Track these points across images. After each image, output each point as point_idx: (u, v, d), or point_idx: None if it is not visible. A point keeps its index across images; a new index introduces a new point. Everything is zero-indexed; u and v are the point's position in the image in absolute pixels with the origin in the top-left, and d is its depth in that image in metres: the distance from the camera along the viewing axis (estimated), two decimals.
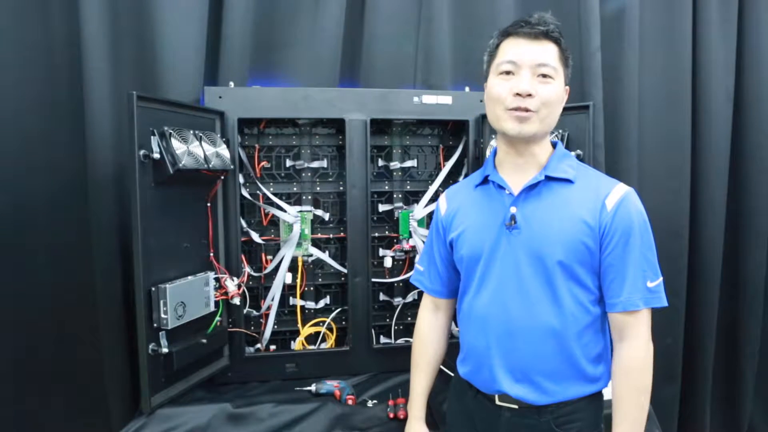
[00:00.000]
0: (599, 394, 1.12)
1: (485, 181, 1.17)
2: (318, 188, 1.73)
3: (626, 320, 1.05)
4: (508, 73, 1.06)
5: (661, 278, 1.06)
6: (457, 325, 1.26)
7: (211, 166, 1.42)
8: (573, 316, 1.06)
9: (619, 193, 1.06)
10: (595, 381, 1.09)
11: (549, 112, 1.06)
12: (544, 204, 1.08)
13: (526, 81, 1.03)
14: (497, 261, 1.10)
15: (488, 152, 1.60)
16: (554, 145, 1.15)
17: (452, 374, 1.35)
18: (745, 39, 2.06)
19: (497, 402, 1.11)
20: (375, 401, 1.50)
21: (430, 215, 1.76)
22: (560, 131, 1.51)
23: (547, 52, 1.05)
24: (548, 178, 1.09)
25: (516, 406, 1.09)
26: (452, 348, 1.33)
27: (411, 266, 1.76)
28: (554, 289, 1.05)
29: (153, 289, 1.35)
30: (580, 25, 1.84)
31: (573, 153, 1.26)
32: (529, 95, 1.03)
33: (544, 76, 1.04)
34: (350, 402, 1.48)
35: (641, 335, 1.05)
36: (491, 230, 1.11)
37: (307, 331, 1.70)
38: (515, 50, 1.06)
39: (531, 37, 1.05)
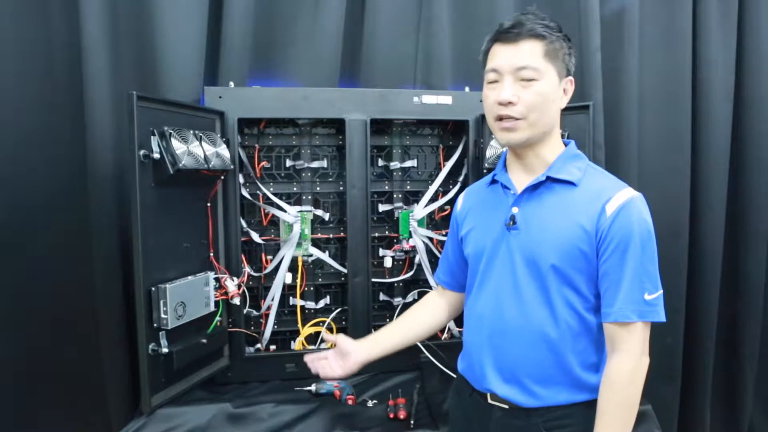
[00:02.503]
0: (594, 401, 1.08)
1: (495, 181, 1.17)
2: (318, 188, 1.73)
3: (618, 332, 1.01)
4: (494, 81, 1.06)
5: (660, 291, 1.02)
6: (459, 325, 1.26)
7: (211, 166, 1.42)
8: (566, 321, 1.04)
9: (621, 198, 1.02)
10: (589, 389, 1.06)
11: (538, 115, 1.04)
12: (543, 205, 1.07)
13: (507, 89, 1.03)
14: (497, 260, 1.10)
15: (488, 152, 1.60)
16: (568, 144, 1.13)
17: (453, 374, 1.35)
18: (745, 38, 2.06)
19: (489, 401, 1.12)
20: (375, 401, 1.50)
21: (430, 215, 1.76)
22: (560, 131, 1.50)
23: (526, 54, 1.02)
24: (551, 180, 1.07)
25: (506, 406, 1.09)
26: (453, 348, 1.33)
27: (411, 266, 1.76)
28: (547, 293, 1.04)
29: (153, 289, 1.35)
30: (580, 25, 1.84)
31: None
32: (511, 103, 1.03)
33: (527, 79, 1.03)
34: (350, 402, 1.48)
35: (632, 349, 1.00)
36: (494, 230, 1.11)
37: (307, 331, 1.70)
38: (496, 58, 1.06)
39: (509, 41, 1.04)
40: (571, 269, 1.03)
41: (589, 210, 1.03)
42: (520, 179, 1.11)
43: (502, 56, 1.05)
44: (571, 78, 1.09)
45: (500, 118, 1.05)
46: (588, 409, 1.07)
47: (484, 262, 1.12)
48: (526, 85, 1.03)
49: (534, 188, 1.08)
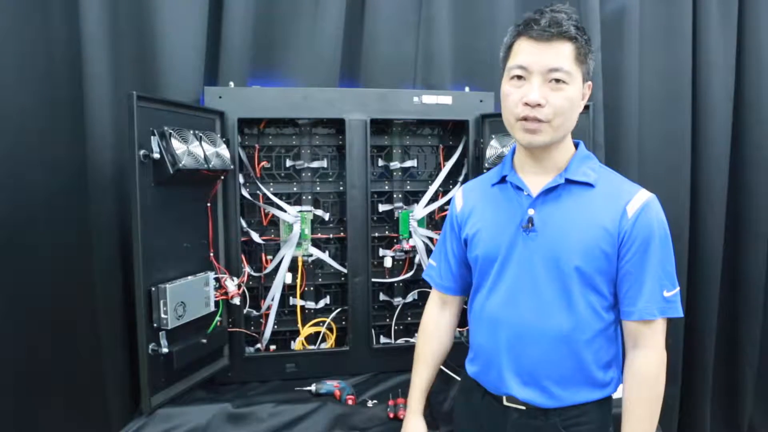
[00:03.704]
0: (609, 398, 1.11)
1: (503, 180, 1.14)
2: (318, 188, 1.73)
3: (641, 329, 1.03)
4: (519, 77, 1.02)
5: (678, 288, 1.04)
6: (465, 324, 1.25)
7: (211, 166, 1.42)
8: (586, 322, 1.04)
9: (640, 199, 1.03)
10: (605, 386, 1.08)
11: (563, 120, 1.01)
12: (563, 208, 1.06)
13: (536, 90, 0.99)
14: (512, 263, 1.08)
15: (488, 152, 1.60)
16: (577, 145, 1.12)
17: (453, 374, 1.35)
18: (745, 39, 2.06)
19: (505, 403, 1.11)
20: (375, 401, 1.49)
21: (430, 215, 1.76)
22: None
23: (559, 56, 0.99)
24: (568, 181, 1.06)
25: (523, 408, 1.09)
26: (455, 348, 1.33)
27: (411, 266, 1.76)
28: (569, 295, 1.04)
29: (153, 289, 1.35)
30: None
31: None
32: (539, 105, 0.99)
33: (557, 81, 0.99)
34: (350, 402, 1.48)
35: (656, 345, 1.03)
36: (507, 232, 1.09)
37: (307, 331, 1.70)
38: (526, 55, 1.00)
39: (543, 40, 0.98)
40: (594, 270, 1.03)
41: (610, 211, 1.03)
42: (533, 180, 1.09)
43: (533, 54, 0.99)
44: (590, 83, 1.07)
45: (523, 119, 1.01)
46: (602, 405, 1.09)
47: (498, 264, 1.10)
48: (556, 88, 1.00)
49: (550, 190, 1.07)
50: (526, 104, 1.00)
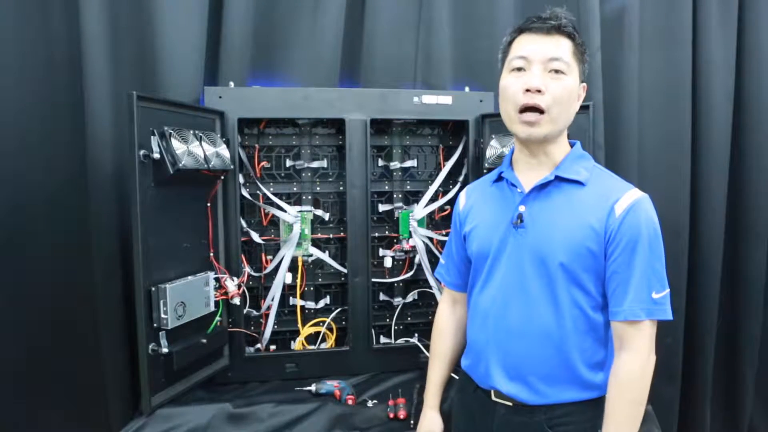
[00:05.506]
0: (598, 399, 1.09)
1: (500, 178, 1.17)
2: (318, 188, 1.73)
3: (627, 330, 1.02)
4: (519, 69, 1.05)
5: (667, 290, 1.03)
6: None
7: (211, 166, 1.42)
8: (572, 320, 1.04)
9: (629, 199, 1.03)
10: (593, 387, 1.07)
11: (560, 110, 1.03)
12: (552, 205, 1.07)
13: (537, 76, 1.02)
14: (503, 259, 1.10)
15: (488, 152, 1.60)
16: (573, 145, 1.13)
17: (452, 374, 1.35)
18: (745, 39, 2.06)
19: (493, 398, 1.12)
20: (375, 401, 1.49)
21: (430, 215, 1.76)
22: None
23: (559, 47, 1.03)
24: (559, 179, 1.07)
25: (510, 403, 1.10)
26: None
27: (411, 266, 1.76)
28: (554, 292, 1.04)
29: (153, 289, 1.35)
30: (580, 25, 1.83)
31: None
32: (539, 91, 1.01)
33: (557, 71, 1.02)
34: (350, 402, 1.48)
35: (641, 347, 1.02)
36: (500, 228, 1.11)
37: (307, 331, 1.70)
38: (527, 46, 1.05)
39: (543, 32, 1.04)
40: (579, 268, 1.03)
41: (598, 210, 1.03)
42: (527, 177, 1.11)
43: (534, 45, 1.04)
44: (584, 84, 1.10)
45: (523, 110, 1.03)
46: (591, 406, 1.08)
47: (491, 260, 1.12)
48: (555, 78, 1.03)
49: (542, 187, 1.08)
50: (528, 91, 1.02)
